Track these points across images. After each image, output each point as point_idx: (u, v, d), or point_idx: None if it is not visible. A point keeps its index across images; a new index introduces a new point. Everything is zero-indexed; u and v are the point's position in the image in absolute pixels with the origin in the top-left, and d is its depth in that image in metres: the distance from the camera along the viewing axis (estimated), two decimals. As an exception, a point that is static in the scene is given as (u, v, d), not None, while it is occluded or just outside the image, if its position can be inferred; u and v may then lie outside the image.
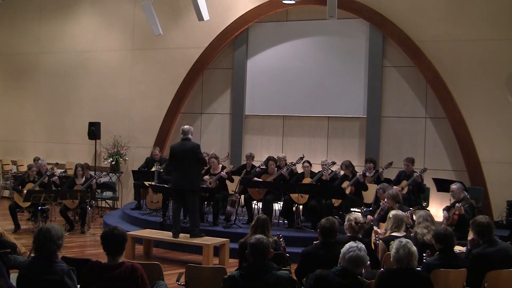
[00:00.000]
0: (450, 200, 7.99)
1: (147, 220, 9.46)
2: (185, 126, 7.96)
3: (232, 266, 6.85)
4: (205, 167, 9.28)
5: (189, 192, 7.71)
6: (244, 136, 11.70)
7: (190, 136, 7.84)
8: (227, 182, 9.33)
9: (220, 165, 9.45)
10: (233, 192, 9.18)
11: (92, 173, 10.35)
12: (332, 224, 4.80)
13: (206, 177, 9.15)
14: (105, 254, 3.92)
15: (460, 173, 10.01)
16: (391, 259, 4.13)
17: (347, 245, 3.94)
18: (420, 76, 10.31)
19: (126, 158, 12.42)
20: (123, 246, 3.95)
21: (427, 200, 9.67)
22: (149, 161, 10.87)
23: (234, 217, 8.99)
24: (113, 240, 3.89)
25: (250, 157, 10.29)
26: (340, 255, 3.93)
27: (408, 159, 9.21)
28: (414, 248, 4.11)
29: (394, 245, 4.14)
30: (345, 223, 5.31)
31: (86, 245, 8.81)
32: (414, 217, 6.51)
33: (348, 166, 9.12)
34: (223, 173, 9.12)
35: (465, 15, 10.01)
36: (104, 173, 11.17)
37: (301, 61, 11.23)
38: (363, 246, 3.94)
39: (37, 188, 9.52)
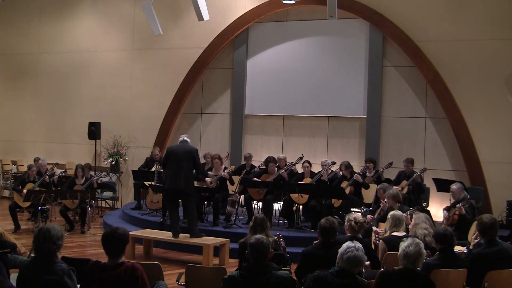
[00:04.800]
0: (450, 200, 7.99)
1: (147, 220, 9.46)
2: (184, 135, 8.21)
3: (232, 266, 6.85)
4: (200, 172, 9.22)
5: (184, 195, 7.74)
6: (244, 136, 11.70)
7: (187, 140, 7.96)
8: (227, 182, 9.33)
9: (223, 166, 9.45)
10: (233, 192, 9.18)
11: (92, 173, 10.35)
12: (332, 224, 4.80)
13: (208, 178, 9.14)
14: (106, 254, 3.92)
15: (460, 173, 10.01)
16: (399, 253, 4.10)
17: (344, 245, 3.94)
18: (420, 76, 10.31)
19: (126, 158, 12.42)
20: (124, 247, 3.94)
21: (427, 200, 9.67)
22: (149, 161, 10.87)
23: (234, 217, 8.98)
24: (114, 241, 3.89)
25: (249, 157, 10.29)
26: (338, 256, 3.93)
27: (407, 160, 9.21)
28: (424, 251, 4.10)
29: (406, 241, 4.13)
30: (345, 223, 5.31)
31: (86, 245, 8.81)
32: (413, 217, 6.52)
33: (347, 166, 9.12)
34: (225, 173, 9.12)
35: (465, 15, 10.00)
36: (104, 173, 11.17)
37: (301, 61, 11.23)
38: (360, 245, 3.93)
39: (37, 188, 9.51)
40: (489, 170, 9.75)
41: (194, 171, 8.06)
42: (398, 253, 4.12)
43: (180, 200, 8.00)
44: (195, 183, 8.40)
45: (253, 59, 11.63)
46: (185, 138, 7.97)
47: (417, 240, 4.12)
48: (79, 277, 3.90)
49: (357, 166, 9.92)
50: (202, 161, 10.03)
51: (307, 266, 4.62)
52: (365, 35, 10.73)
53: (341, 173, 9.37)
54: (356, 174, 8.89)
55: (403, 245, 4.10)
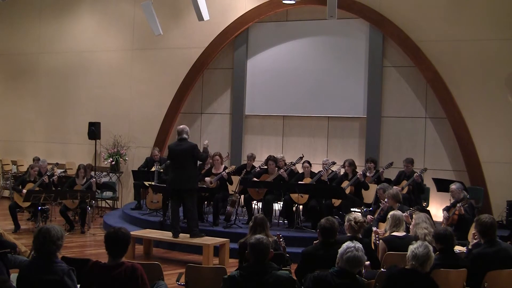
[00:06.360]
0: (450, 200, 7.99)
1: (147, 220, 9.46)
2: (180, 126, 7.98)
3: (232, 266, 6.85)
4: (205, 163, 9.28)
5: (187, 192, 7.72)
6: (244, 136, 11.70)
7: (185, 136, 7.83)
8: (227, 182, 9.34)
9: (223, 165, 9.44)
10: (233, 192, 9.18)
11: (92, 173, 10.35)
12: (332, 224, 4.79)
13: (208, 178, 9.14)
14: (106, 254, 3.92)
15: (460, 173, 10.01)
16: (407, 254, 4.10)
17: (344, 246, 3.94)
18: (420, 76, 10.31)
19: (126, 158, 12.42)
20: (126, 248, 3.96)
21: (427, 200, 9.67)
22: (149, 161, 10.88)
23: (234, 217, 8.98)
24: (117, 241, 3.90)
25: (252, 157, 10.30)
26: (338, 256, 3.93)
27: (407, 160, 9.21)
28: (433, 254, 4.10)
29: (416, 243, 4.13)
30: (345, 223, 5.31)
31: (86, 245, 8.81)
32: (414, 217, 6.52)
33: (351, 164, 9.14)
34: (224, 173, 9.12)
35: (465, 15, 10.01)
36: (104, 173, 11.17)
37: (301, 61, 11.23)
38: (360, 246, 3.93)
39: (37, 188, 9.51)
40: (489, 170, 9.75)
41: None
42: (407, 254, 4.11)
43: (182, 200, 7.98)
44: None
45: (253, 59, 11.63)
46: (183, 136, 7.81)
47: (427, 243, 4.12)
48: (79, 277, 3.90)
49: (357, 166, 9.90)
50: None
51: (307, 266, 4.61)
52: (365, 35, 10.73)
53: (343, 170, 9.38)
54: (359, 173, 8.90)
55: (412, 246, 4.11)
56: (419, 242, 4.14)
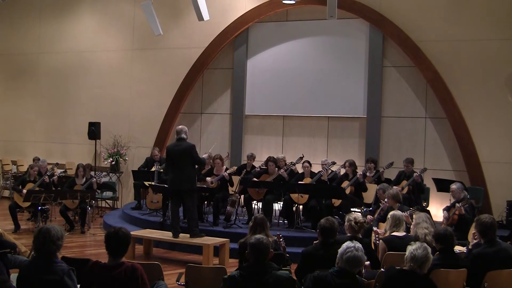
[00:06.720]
0: (450, 200, 7.99)
1: (147, 220, 9.46)
2: (179, 126, 8.00)
3: (232, 266, 6.85)
4: (203, 167, 9.29)
5: (186, 192, 7.72)
6: (244, 136, 11.70)
7: (184, 136, 7.83)
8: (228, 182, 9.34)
9: (224, 167, 9.44)
10: (233, 192, 9.18)
11: (92, 173, 10.35)
12: (332, 224, 4.80)
13: (209, 178, 9.14)
14: (106, 254, 3.92)
15: (460, 173, 10.01)
16: (406, 255, 4.09)
17: (344, 245, 3.94)
18: (420, 76, 10.31)
19: (126, 158, 12.42)
20: (126, 248, 3.96)
21: (427, 200, 9.68)
22: (149, 161, 10.88)
23: (234, 217, 8.98)
24: (117, 241, 3.90)
25: (251, 157, 10.31)
26: (338, 256, 3.93)
27: (407, 160, 9.22)
28: (431, 256, 4.10)
29: (414, 244, 4.13)
30: (345, 223, 5.31)
31: (86, 245, 8.81)
32: (414, 217, 6.52)
33: (351, 164, 9.15)
34: (226, 174, 9.12)
35: (465, 15, 10.01)
36: (104, 173, 11.17)
37: (301, 61, 11.23)
38: (360, 246, 3.93)
39: (37, 188, 9.51)
40: (489, 170, 9.75)
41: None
42: (405, 255, 4.11)
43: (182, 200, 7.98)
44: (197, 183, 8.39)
45: (253, 59, 11.63)
46: (182, 136, 7.81)
47: (426, 245, 4.12)
48: (79, 277, 3.90)
49: (357, 166, 9.89)
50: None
51: (307, 266, 4.61)
52: (365, 35, 10.74)
53: (343, 170, 9.38)
54: (359, 173, 8.90)
55: (411, 248, 4.10)
56: (417, 243, 4.14)
